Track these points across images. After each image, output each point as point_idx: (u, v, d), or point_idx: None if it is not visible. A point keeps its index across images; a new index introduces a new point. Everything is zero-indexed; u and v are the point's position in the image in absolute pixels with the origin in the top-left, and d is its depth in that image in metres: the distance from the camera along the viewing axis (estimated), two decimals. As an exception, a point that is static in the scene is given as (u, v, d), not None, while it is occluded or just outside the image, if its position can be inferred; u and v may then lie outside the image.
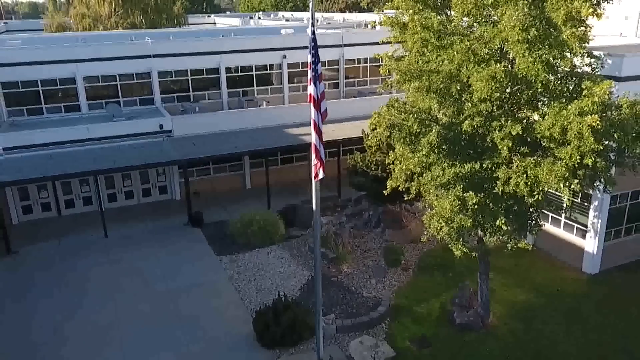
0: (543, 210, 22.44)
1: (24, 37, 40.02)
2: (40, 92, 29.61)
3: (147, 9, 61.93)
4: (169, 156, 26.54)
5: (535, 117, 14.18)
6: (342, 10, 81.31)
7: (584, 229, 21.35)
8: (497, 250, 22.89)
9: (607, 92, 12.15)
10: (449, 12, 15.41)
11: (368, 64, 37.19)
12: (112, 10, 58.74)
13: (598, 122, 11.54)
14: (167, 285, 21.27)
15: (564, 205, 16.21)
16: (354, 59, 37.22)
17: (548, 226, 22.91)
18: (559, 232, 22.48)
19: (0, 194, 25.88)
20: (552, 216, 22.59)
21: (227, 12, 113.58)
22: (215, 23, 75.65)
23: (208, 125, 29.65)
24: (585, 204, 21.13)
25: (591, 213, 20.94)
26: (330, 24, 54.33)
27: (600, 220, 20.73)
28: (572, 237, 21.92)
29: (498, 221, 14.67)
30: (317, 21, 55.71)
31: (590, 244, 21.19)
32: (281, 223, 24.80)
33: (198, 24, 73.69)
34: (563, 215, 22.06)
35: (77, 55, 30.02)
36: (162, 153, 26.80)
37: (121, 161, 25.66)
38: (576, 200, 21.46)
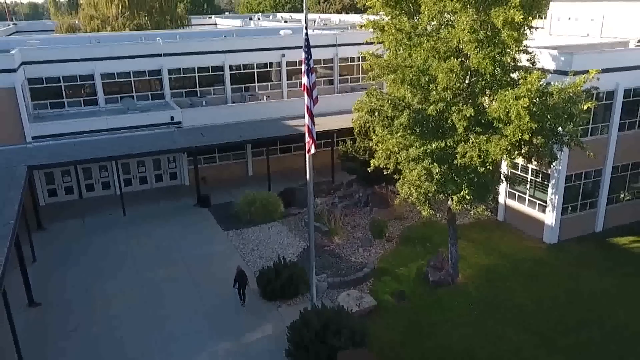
0: (510, 190, 25.71)
1: (41, 37, 42.94)
2: (62, 87, 32.72)
3: (152, 10, 65.06)
4: (180, 144, 29.65)
5: (488, 102, 17.37)
6: (338, 12, 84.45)
7: (544, 204, 24.50)
8: (471, 226, 26.18)
9: (537, 81, 15.29)
10: (418, 17, 18.54)
11: (360, 62, 40.26)
12: (119, 12, 61.79)
13: (528, 103, 14.68)
14: (181, 254, 24.37)
15: (509, 175, 19.01)
16: (347, 58, 40.34)
17: (515, 203, 26.13)
18: (524, 208, 25.63)
19: (31, 177, 28.87)
20: (518, 195, 25.77)
21: (227, 13, 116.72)
22: (216, 24, 78.59)
23: (214, 118, 32.85)
24: (545, 182, 24.28)
25: (550, 190, 24.09)
26: (326, 25, 57.62)
27: (557, 197, 23.87)
28: (535, 212, 25.07)
29: (462, 192, 17.93)
30: (314, 22, 58.96)
31: (549, 217, 24.34)
32: (280, 202, 27.92)
33: (200, 24, 76.69)
34: (527, 193, 25.24)
35: (96, 54, 33.11)
36: (173, 141, 29.92)
37: (137, 148, 28.76)
38: (538, 179, 24.63)
